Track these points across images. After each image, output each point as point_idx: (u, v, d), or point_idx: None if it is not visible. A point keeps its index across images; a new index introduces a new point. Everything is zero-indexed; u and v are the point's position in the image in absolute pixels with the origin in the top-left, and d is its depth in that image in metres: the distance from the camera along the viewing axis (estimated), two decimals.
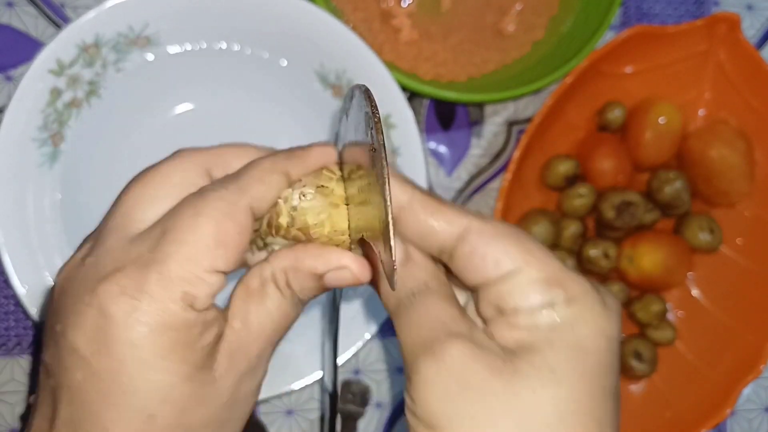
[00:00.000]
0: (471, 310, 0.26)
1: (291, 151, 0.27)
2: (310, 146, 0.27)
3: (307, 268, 0.25)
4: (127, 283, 0.22)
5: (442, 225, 0.25)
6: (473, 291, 0.26)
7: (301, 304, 0.27)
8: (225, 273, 0.24)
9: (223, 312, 0.25)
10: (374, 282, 0.27)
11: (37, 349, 0.44)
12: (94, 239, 0.26)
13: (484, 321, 0.25)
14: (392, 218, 0.20)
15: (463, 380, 0.22)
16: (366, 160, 0.22)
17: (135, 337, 0.22)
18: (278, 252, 0.26)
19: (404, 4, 0.47)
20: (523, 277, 0.23)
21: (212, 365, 0.24)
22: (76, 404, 0.23)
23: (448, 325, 0.24)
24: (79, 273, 0.24)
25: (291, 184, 0.26)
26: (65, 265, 0.26)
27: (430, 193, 0.26)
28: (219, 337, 0.24)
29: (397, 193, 0.25)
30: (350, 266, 0.25)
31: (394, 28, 0.47)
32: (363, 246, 0.26)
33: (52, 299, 0.25)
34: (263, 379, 0.27)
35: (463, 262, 0.25)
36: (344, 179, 0.26)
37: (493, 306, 0.24)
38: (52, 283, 0.28)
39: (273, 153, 0.27)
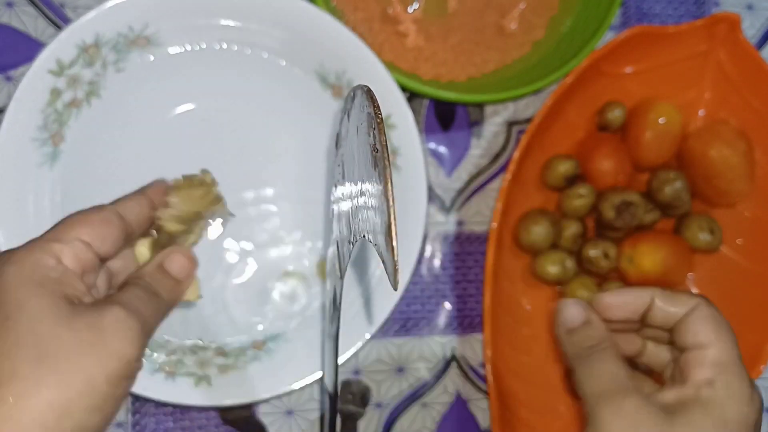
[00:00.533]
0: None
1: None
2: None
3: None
4: (18, 253, 0.30)
5: (677, 309, 0.34)
6: (681, 351, 0.34)
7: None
8: (93, 248, 0.32)
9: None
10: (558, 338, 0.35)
11: None
12: None
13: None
14: (394, 219, 0.20)
15: (635, 425, 0.30)
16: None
17: (12, 277, 0.29)
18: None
19: (410, 10, 0.47)
20: (707, 354, 0.32)
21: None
22: None
23: (623, 380, 0.32)
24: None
25: (153, 205, 0.36)
26: None
27: (662, 287, 0.35)
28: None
29: (642, 296, 0.34)
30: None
31: (399, 33, 0.47)
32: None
33: None
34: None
35: (683, 334, 0.33)
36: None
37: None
38: None
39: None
